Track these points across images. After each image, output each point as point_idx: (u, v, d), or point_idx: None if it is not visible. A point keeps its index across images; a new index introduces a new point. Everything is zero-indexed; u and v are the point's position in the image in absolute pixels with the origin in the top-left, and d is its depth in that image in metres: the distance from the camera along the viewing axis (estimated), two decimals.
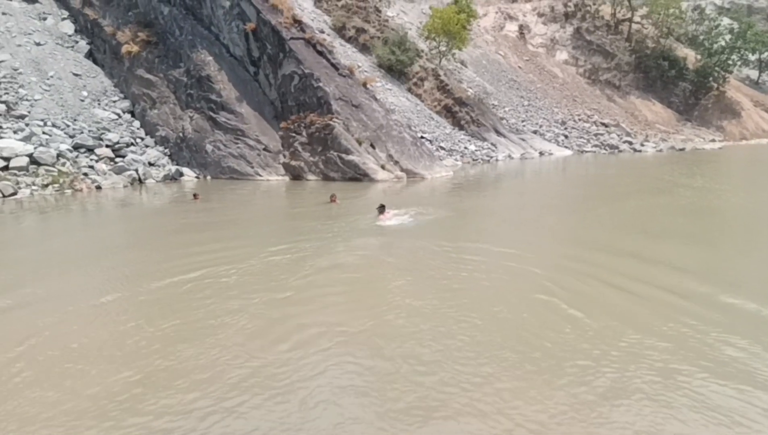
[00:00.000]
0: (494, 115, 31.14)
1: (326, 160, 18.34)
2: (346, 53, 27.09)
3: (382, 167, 18.26)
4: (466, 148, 26.46)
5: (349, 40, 29.07)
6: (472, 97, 30.70)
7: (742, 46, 44.84)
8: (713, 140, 40.25)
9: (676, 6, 43.64)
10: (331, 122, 18.16)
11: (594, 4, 45.62)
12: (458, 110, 28.60)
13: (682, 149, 33.59)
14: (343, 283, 6.81)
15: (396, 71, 28.65)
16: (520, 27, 43.74)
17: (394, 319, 5.46)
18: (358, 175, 17.81)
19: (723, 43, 44.63)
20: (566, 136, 33.96)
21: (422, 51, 31.42)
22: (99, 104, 20.06)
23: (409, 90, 28.82)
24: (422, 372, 4.34)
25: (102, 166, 17.46)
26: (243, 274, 7.16)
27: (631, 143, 34.01)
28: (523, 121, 33.36)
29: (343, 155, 18.00)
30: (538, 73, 40.81)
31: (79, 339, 5.10)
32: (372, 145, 18.69)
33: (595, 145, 33.43)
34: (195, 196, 14.12)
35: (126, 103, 20.74)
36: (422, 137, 24.20)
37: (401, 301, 5.98)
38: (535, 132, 32.69)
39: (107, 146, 18.22)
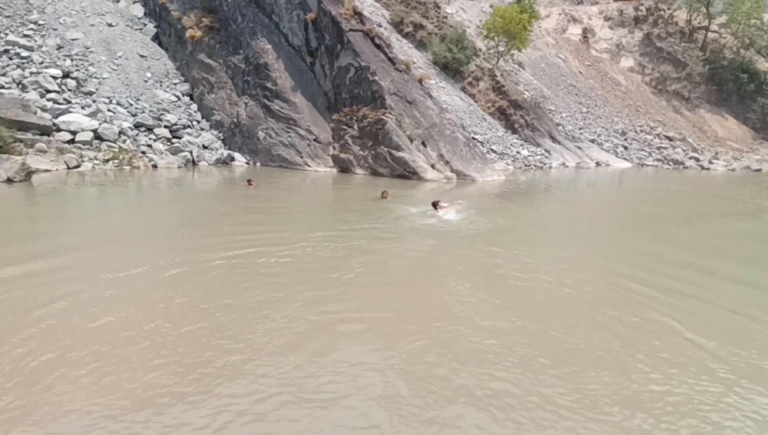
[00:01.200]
0: (550, 121, 29.90)
1: (375, 155, 18.07)
2: (402, 48, 26.71)
3: (432, 166, 17.79)
4: (518, 152, 25.52)
5: (405, 35, 28.66)
6: (528, 101, 29.60)
7: None
8: None
9: (758, 17, 40.38)
10: (383, 117, 17.86)
11: (668, 9, 42.98)
12: (512, 113, 27.64)
13: (759, 170, 31.03)
14: (395, 284, 6.46)
15: (451, 69, 28.00)
16: (584, 30, 41.85)
17: (459, 333, 5.04)
18: (407, 173, 17.43)
19: None
20: (626, 148, 32.20)
21: (479, 50, 30.59)
22: (161, 86, 20.67)
23: (463, 89, 28.11)
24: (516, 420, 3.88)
25: (159, 145, 17.95)
26: (293, 263, 6.95)
27: (698, 160, 31.79)
28: (580, 129, 31.88)
29: (393, 151, 17.67)
30: (599, 79, 38.94)
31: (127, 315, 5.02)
32: (423, 143, 18.26)
33: (657, 159, 31.49)
34: (249, 181, 14.20)
35: (186, 86, 21.28)
36: (473, 138, 23.50)
37: (465, 312, 5.55)
38: (592, 141, 31.17)
39: (165, 127, 18.74)
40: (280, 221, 9.88)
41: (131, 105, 18.66)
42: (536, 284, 6.59)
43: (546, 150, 26.88)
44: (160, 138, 18.30)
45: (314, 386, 3.95)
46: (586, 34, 41.57)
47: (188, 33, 21.21)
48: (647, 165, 30.50)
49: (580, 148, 29.07)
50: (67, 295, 5.46)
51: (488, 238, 9.22)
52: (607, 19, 43.34)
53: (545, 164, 25.41)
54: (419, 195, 14.29)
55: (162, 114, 19.11)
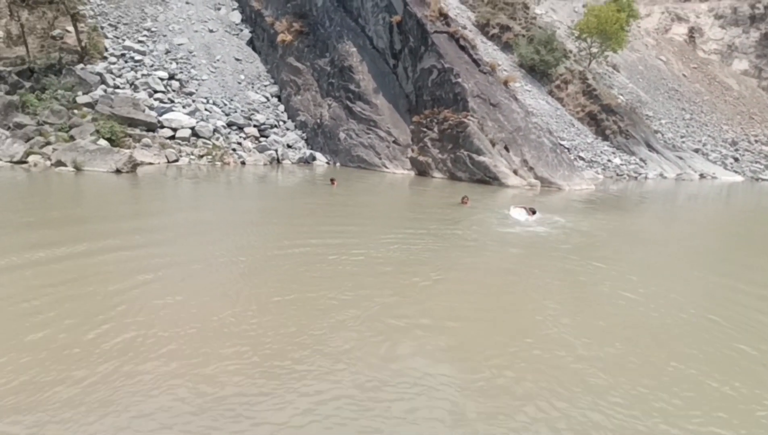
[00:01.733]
0: (647, 128, 27.51)
1: (455, 159, 17.64)
2: (486, 51, 25.98)
3: (515, 172, 17.00)
4: (609, 160, 23.73)
5: (491, 37, 27.88)
6: (623, 105, 27.47)
7: None
8: None
9: None
10: (465, 120, 17.40)
11: None
12: (604, 118, 25.80)
13: None
14: (476, 294, 6.09)
15: (538, 72, 26.76)
16: (691, 30, 38.14)
17: (548, 353, 4.59)
18: (488, 178, 16.81)
19: None
20: (736, 159, 28.77)
21: (570, 52, 28.97)
22: (252, 87, 21.84)
23: (550, 93, 26.75)
24: None
25: (248, 143, 18.93)
26: (370, 263, 6.84)
27: None
28: (682, 137, 29.01)
29: (474, 155, 17.13)
30: (706, 83, 35.25)
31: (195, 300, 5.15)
32: (506, 148, 17.52)
33: None
34: (332, 180, 14.45)
35: (275, 88, 22.30)
36: (560, 144, 22.20)
37: (554, 330, 5.06)
38: (696, 150, 28.22)
39: (254, 126, 19.73)
40: (358, 222, 9.88)
41: (225, 105, 19.89)
42: (643, 307, 5.87)
43: (641, 159, 24.74)
44: (249, 136, 19.29)
45: (381, 396, 3.72)
46: (693, 33, 37.85)
47: (279, 37, 22.22)
48: (763, 179, 26.99)
49: (681, 158, 26.43)
50: (150, 279, 5.75)
51: (581, 251, 8.49)
52: (718, 17, 39.16)
53: (640, 174, 23.37)
54: (500, 201, 13.66)
55: (252, 114, 20.15)
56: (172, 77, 19.72)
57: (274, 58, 22.81)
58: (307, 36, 22.06)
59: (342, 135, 19.89)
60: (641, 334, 5.05)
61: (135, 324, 4.55)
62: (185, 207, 10.57)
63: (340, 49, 20.71)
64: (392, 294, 5.79)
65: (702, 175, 25.57)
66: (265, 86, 22.29)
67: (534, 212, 10.69)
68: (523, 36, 27.54)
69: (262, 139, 19.59)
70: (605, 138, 25.32)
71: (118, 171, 13.40)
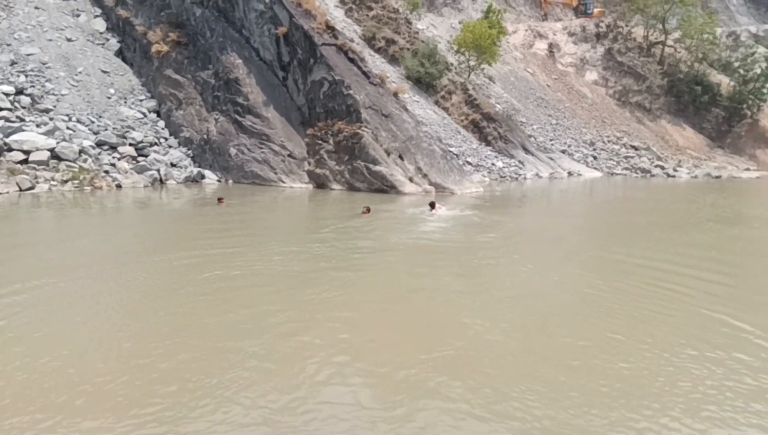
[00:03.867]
0: (522, 133, 30.32)
1: (352, 170, 17.67)
2: (375, 63, 26.63)
3: (410, 180, 17.52)
4: (493, 164, 25.65)
5: (378, 50, 28.66)
6: (501, 113, 29.98)
7: None
8: (748, 169, 38.74)
9: (711, 32, 42.56)
10: (359, 131, 17.54)
11: (626, 26, 44.82)
12: (486, 125, 27.88)
13: (719, 177, 32.25)
14: (383, 301, 6.01)
15: (424, 83, 28.10)
16: (550, 45, 43.05)
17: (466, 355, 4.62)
18: (385, 187, 17.09)
19: (758, 71, 43.27)
20: (595, 158, 32.93)
21: (451, 64, 30.91)
22: (125, 102, 19.78)
23: (437, 103, 28.23)
24: None
25: (124, 164, 17.04)
26: (268, 282, 6.41)
27: (663, 168, 32.80)
28: (551, 140, 32.46)
29: (371, 165, 17.32)
30: (566, 92, 39.96)
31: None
32: (401, 157, 18.00)
33: (626, 168, 32.31)
34: (220, 199, 13.52)
35: (152, 103, 20.44)
36: (449, 151, 23.45)
37: (469, 329, 5.15)
38: (563, 151, 31.76)
39: (130, 145, 17.85)
40: (253, 241, 9.30)
41: (93, 122, 17.72)
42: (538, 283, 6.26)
43: (520, 161, 27.14)
44: (124, 156, 17.39)
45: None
46: (552, 49, 42.77)
47: (154, 48, 20.45)
48: (616, 174, 31.24)
49: (552, 159, 29.52)
50: (17, 333, 4.77)
51: (482, 250, 8.90)
52: (570, 34, 44.75)
53: (520, 175, 25.61)
54: (399, 209, 13.93)
55: (126, 131, 18.21)
56: (20, 92, 17.05)
57: (149, 70, 20.93)
58: (186, 47, 20.62)
59: (233, 150, 18.85)
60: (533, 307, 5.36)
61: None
62: (41, 241, 9.04)
63: (224, 61, 19.67)
64: (292, 307, 5.47)
65: (570, 173, 28.81)
66: (141, 101, 20.33)
67: (434, 206, 12.54)
68: (408, 49, 28.78)
69: (140, 158, 17.78)
70: (488, 143, 27.35)
71: None
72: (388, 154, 17.71)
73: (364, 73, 19.18)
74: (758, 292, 7.11)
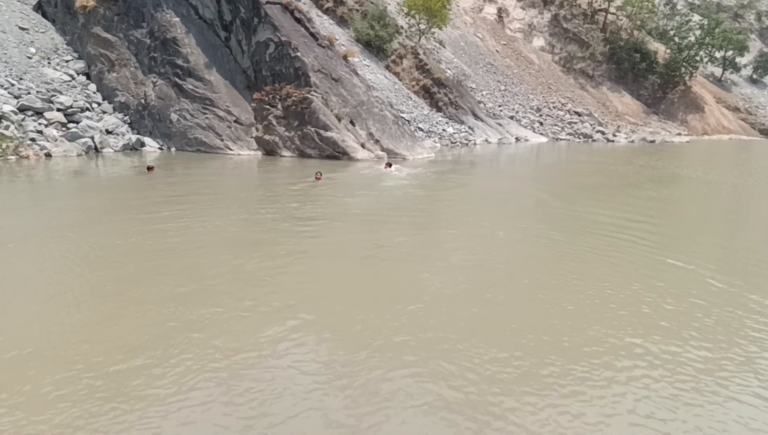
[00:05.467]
0: (472, 99, 30.64)
1: (303, 136, 17.30)
2: (323, 25, 25.73)
3: (362, 146, 17.41)
4: (444, 130, 25.87)
5: (326, 11, 27.68)
6: (451, 79, 30.03)
7: (710, 43, 46.00)
8: (679, 134, 41.41)
9: (649, 0, 44.17)
10: (309, 95, 17.08)
11: None
12: (437, 91, 27.91)
13: (653, 141, 34.30)
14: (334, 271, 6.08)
15: (374, 47, 27.55)
16: (499, 10, 43.22)
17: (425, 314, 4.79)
18: (337, 153, 16.91)
19: (692, 39, 45.65)
20: (541, 123, 33.98)
21: (401, 28, 30.40)
22: (49, 63, 18.11)
23: (387, 67, 27.85)
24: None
25: (53, 131, 15.76)
26: (215, 249, 6.30)
27: (603, 133, 34.41)
28: (500, 106, 33.07)
29: (321, 131, 17.02)
30: (515, 58, 40.55)
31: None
32: (352, 122, 17.78)
33: (569, 134, 33.62)
34: (149, 168, 12.88)
35: (80, 64, 18.83)
36: (401, 117, 23.40)
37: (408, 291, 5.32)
38: (511, 117, 32.50)
39: (59, 110, 16.48)
40: (198, 210, 9.01)
41: (12, 85, 16.14)
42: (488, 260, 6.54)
43: (470, 127, 27.54)
44: (52, 123, 16.06)
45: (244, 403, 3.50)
46: (501, 14, 42.97)
47: (79, 3, 18.66)
48: (561, 139, 32.45)
49: (500, 125, 30.17)
50: None
51: (439, 208, 9.10)
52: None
53: (470, 141, 26.05)
54: (354, 173, 13.89)
55: (53, 95, 16.75)
56: None
57: (75, 27, 19.18)
58: (115, 2, 18.93)
59: (174, 116, 17.87)
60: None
61: None
62: None
63: (159, 19, 18.32)
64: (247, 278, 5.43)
65: (517, 139, 29.64)
66: (67, 62, 18.68)
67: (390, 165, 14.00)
68: (357, 11, 27.95)
69: (71, 125, 16.49)
70: (439, 109, 27.48)
71: None
72: (339, 119, 17.44)
73: (312, 34, 18.53)
74: (689, 238, 7.90)
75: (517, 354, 4.07)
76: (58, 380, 3.53)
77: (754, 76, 53.64)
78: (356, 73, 19.68)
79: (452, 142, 25.16)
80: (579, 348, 4.22)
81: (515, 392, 3.56)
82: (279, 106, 17.59)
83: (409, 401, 3.41)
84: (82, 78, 18.57)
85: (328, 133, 16.95)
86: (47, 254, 6.25)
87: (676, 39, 45.83)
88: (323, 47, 18.59)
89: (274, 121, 17.62)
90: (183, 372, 3.69)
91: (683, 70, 44.68)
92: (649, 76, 44.63)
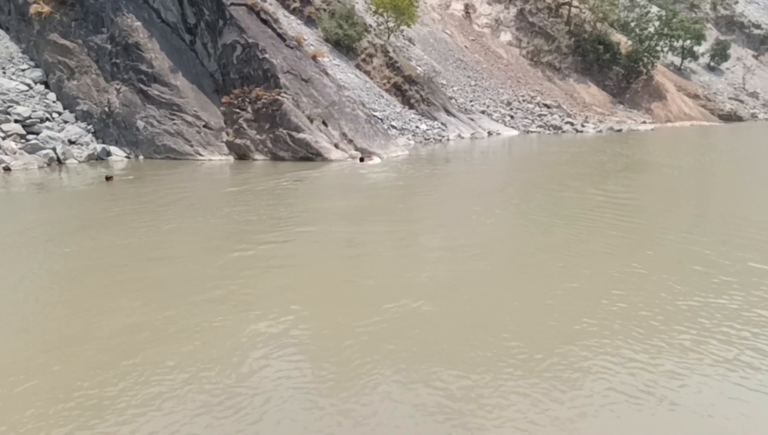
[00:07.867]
0: (443, 95, 30.84)
1: (275, 139, 17.07)
2: (290, 25, 25.43)
3: (336, 146, 17.30)
4: (417, 127, 25.96)
5: (293, 11, 27.35)
6: (422, 76, 30.15)
7: (668, 33, 47.50)
8: (644, 122, 42.60)
9: None
10: (279, 97, 16.87)
11: None
12: (408, 88, 27.98)
13: (620, 130, 35.22)
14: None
15: (344, 46, 27.40)
16: (466, 6, 43.57)
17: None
18: (310, 155, 16.75)
19: (652, 30, 47.05)
20: (512, 117, 34.45)
21: (370, 26, 30.33)
22: (4, 73, 17.35)
23: (358, 66, 27.74)
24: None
25: (11, 144, 15.13)
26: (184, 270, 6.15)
27: (572, 124, 35.14)
28: (471, 101, 33.37)
29: (294, 133, 16.83)
30: (483, 53, 40.98)
31: None
32: (324, 123, 17.64)
33: (540, 126, 34.20)
34: (108, 178, 12.52)
35: (38, 73, 18.11)
36: (374, 115, 23.36)
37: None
38: (483, 112, 32.85)
39: (16, 121, 15.82)
40: (169, 221, 8.80)
41: None
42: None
43: (442, 123, 27.71)
44: (10, 135, 15.41)
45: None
46: (468, 10, 43.36)
47: (33, 8, 17.93)
48: (531, 131, 33.00)
49: (472, 120, 30.47)
50: None
51: (417, 200, 9.11)
52: None
53: (443, 137, 26.22)
54: (326, 176, 13.79)
55: (10, 106, 16.06)
56: None
57: (30, 35, 18.43)
58: (72, 7, 18.28)
59: (140, 123, 17.37)
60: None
61: None
62: None
63: (120, 24, 17.77)
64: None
65: (490, 133, 29.99)
66: (23, 71, 17.95)
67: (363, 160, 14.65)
68: (325, 10, 27.74)
69: (30, 136, 15.84)
70: (411, 106, 27.55)
71: None
72: (311, 120, 17.28)
73: (279, 35, 18.30)
74: (662, 226, 8.17)
75: (518, 348, 4.10)
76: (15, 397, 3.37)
77: (712, 64, 55.68)
78: (326, 73, 19.54)
79: (426, 139, 25.26)
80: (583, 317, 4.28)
81: (515, 392, 3.59)
82: (249, 109, 17.31)
83: (398, 408, 3.40)
84: (41, 87, 17.87)
85: (301, 135, 16.78)
86: None
87: (637, 30, 47.15)
88: (292, 48, 18.38)
89: (244, 125, 17.34)
90: (155, 383, 3.58)
91: (645, 60, 45.98)
92: (614, 66, 45.79)
